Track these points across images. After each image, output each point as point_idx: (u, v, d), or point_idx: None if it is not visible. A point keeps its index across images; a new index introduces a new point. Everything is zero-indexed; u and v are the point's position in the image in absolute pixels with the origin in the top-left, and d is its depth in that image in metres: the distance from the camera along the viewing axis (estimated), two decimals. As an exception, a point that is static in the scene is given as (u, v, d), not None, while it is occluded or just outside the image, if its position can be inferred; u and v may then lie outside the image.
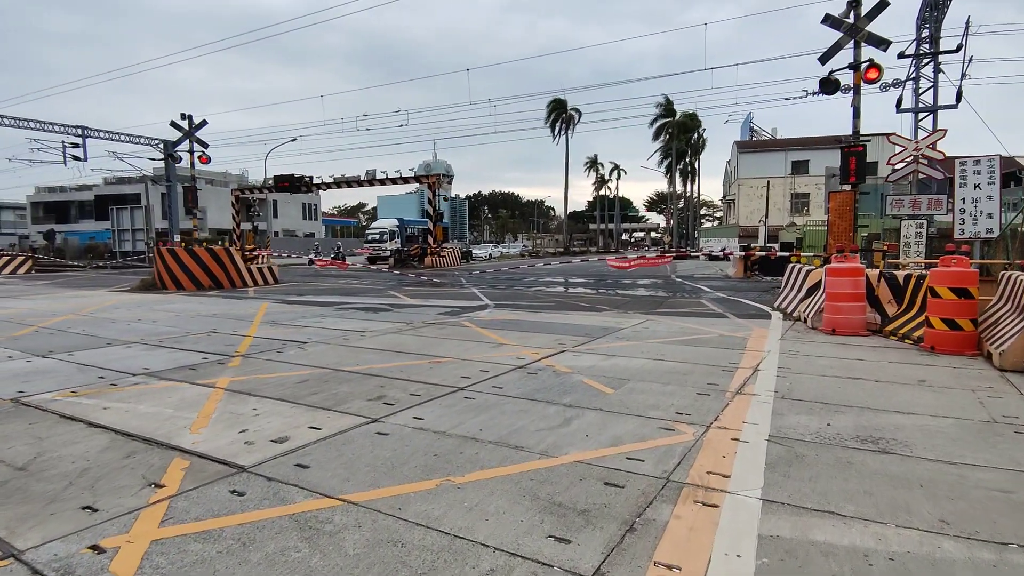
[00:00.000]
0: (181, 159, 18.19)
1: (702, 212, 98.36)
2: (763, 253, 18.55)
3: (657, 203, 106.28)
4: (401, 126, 34.98)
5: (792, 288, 10.60)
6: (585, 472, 3.16)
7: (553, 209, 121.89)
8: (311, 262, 39.67)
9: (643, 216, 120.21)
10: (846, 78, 11.10)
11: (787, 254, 14.61)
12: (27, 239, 60.31)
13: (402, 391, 4.94)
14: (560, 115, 61.13)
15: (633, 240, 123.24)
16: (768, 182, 44.93)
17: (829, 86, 10.22)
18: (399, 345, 7.22)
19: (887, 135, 10.08)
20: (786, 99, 27.60)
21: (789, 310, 10.04)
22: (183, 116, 17.25)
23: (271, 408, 4.47)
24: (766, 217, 44.15)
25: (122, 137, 36.00)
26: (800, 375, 5.45)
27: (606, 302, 12.46)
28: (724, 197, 66.68)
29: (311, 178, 37.53)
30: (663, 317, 9.78)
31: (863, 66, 9.65)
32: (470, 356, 6.48)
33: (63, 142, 34.29)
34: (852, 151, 9.42)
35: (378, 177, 34.47)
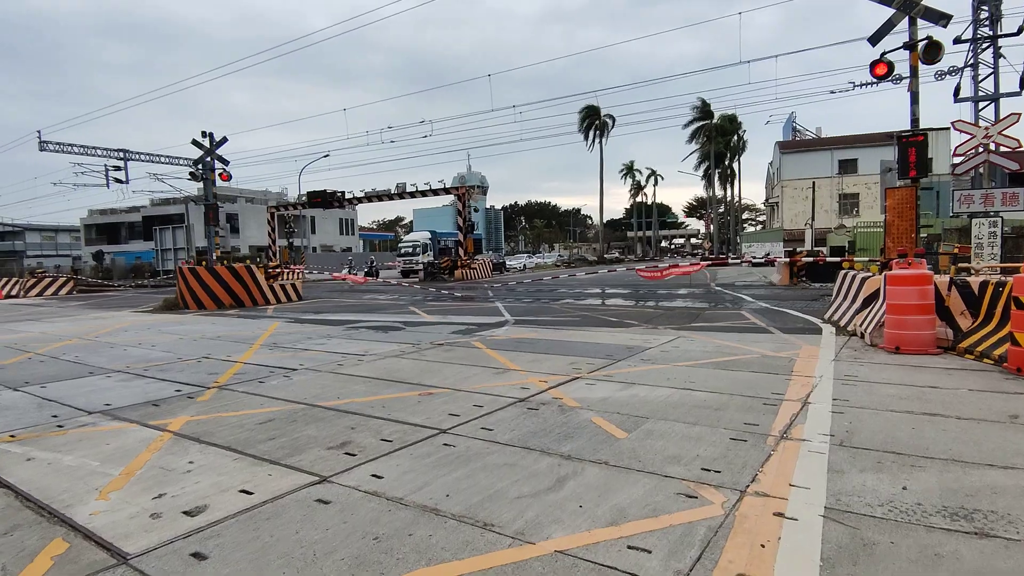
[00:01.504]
0: (201, 177, 18.06)
1: (744, 216, 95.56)
2: (810, 259, 17.19)
3: (696, 208, 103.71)
4: (425, 137, 34.66)
5: (846, 298, 9.44)
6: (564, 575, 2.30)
7: (590, 218, 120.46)
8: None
9: (682, 222, 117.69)
10: (901, 66, 9.93)
11: (838, 259, 13.30)
12: (79, 260, 62.88)
13: (374, 435, 4.16)
14: (593, 122, 60.16)
15: (673, 247, 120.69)
16: (813, 183, 42.87)
17: (880, 70, 9.06)
18: (394, 372, 6.47)
19: (952, 123, 8.85)
20: (831, 92, 25.79)
21: (843, 323, 8.89)
22: (204, 134, 17.16)
23: (211, 461, 3.75)
24: (812, 220, 42.13)
25: (162, 159, 36.84)
26: (861, 410, 4.44)
27: (637, 315, 11.48)
28: (767, 200, 64.34)
29: (343, 193, 37.61)
30: (697, 333, 8.77)
31: (920, 45, 8.50)
32: (468, 386, 5.67)
33: (105, 165, 35.17)
34: (911, 141, 8.27)
35: (408, 190, 34.17)
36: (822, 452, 3.55)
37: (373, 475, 3.39)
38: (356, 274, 40.70)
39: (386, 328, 10.60)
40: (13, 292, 26.27)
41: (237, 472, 3.53)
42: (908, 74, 8.84)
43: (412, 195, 34.41)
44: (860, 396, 4.85)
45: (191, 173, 18.16)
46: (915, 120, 8.53)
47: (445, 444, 3.93)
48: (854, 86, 18.64)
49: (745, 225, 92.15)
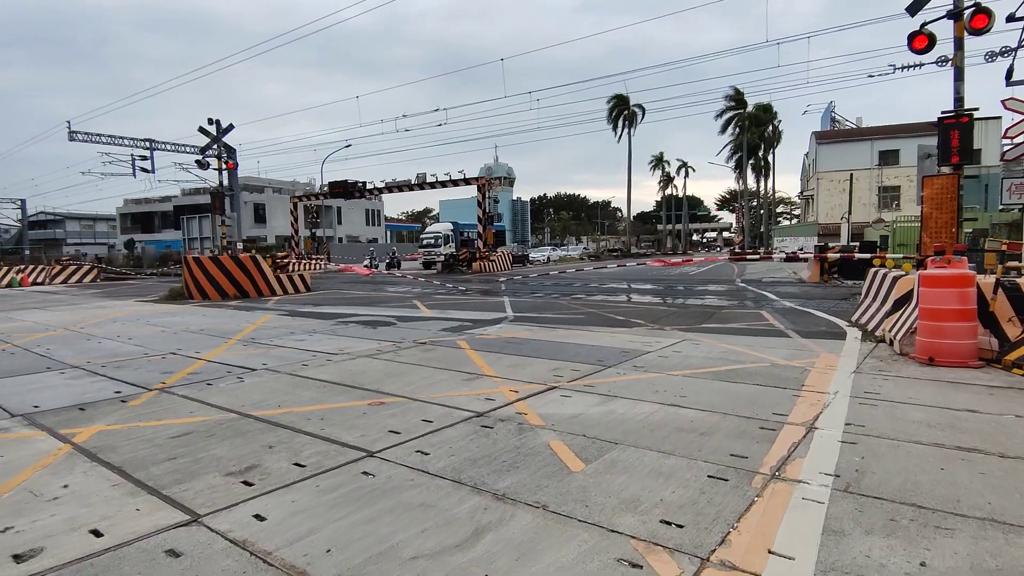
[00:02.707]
0: (209, 165, 17.80)
1: (779, 210, 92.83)
2: (837, 255, 16.04)
3: (729, 201, 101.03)
4: (440, 125, 33.79)
5: (875, 299, 8.50)
6: None
7: (619, 210, 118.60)
8: (366, 267, 39.64)
9: (715, 215, 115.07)
10: (945, 46, 8.81)
11: (868, 256, 12.23)
12: (114, 248, 64.34)
13: (289, 457, 3.56)
14: (622, 111, 58.76)
15: (705, 240, 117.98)
16: (851, 175, 40.95)
17: (920, 43, 8.04)
18: (358, 375, 5.87)
19: (1003, 102, 7.73)
20: (869, 76, 24.22)
21: (870, 327, 7.98)
22: (210, 121, 16.86)
23: (87, 486, 3.20)
24: (849, 213, 40.30)
25: (187, 148, 37.06)
26: (878, 441, 3.65)
27: (646, 313, 10.69)
28: (801, 193, 62.08)
29: (364, 183, 37.36)
30: (705, 335, 7.97)
31: (967, 13, 7.49)
32: (429, 394, 5.03)
33: (132, 155, 35.48)
34: (954, 123, 7.27)
35: (428, 180, 33.68)
36: (820, 501, 2.80)
37: (255, 515, 2.78)
38: (377, 266, 40.57)
39: (376, 323, 10.04)
40: (39, 280, 26.66)
41: (105, 503, 2.96)
42: (952, 51, 7.82)
43: (432, 186, 33.93)
44: (879, 421, 4.05)
45: (196, 161, 17.93)
46: (959, 99, 7.52)
47: (364, 472, 3.30)
48: (895, 69, 17.24)
49: (780, 219, 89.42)
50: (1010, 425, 3.91)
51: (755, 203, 66.83)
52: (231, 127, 17.14)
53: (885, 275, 8.12)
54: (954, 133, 7.30)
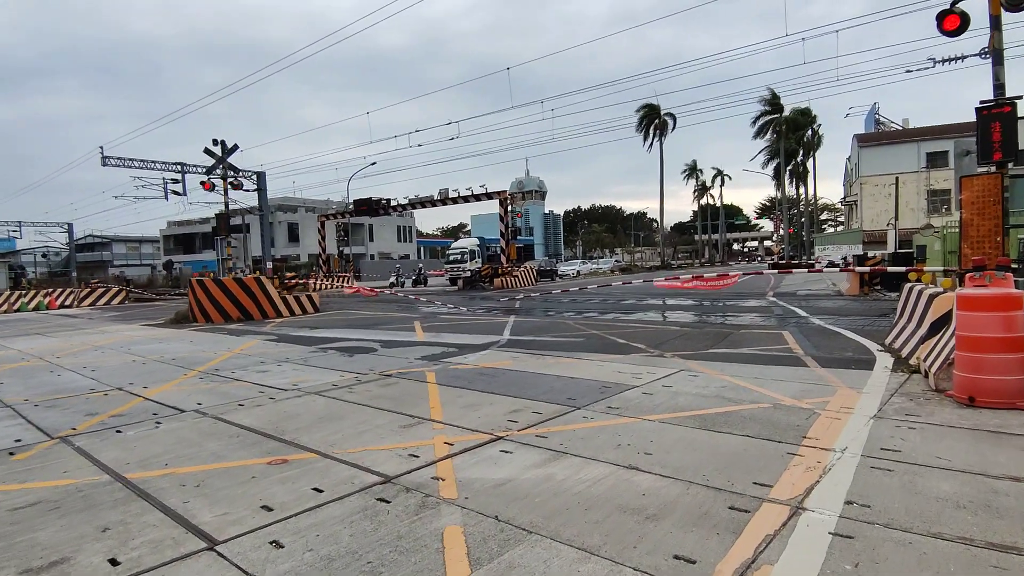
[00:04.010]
0: (214, 186, 17.66)
1: (823, 217, 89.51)
2: (863, 268, 14.62)
3: (770, 209, 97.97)
4: (452, 139, 33.40)
5: (910, 319, 7.36)
6: None
7: (656, 221, 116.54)
8: (391, 285, 39.45)
9: (755, 224, 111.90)
10: (978, 25, 7.64)
11: (901, 269, 10.91)
12: (155, 269, 66.29)
13: (110, 550, 2.83)
14: (652, 120, 57.51)
15: (746, 250, 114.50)
16: (897, 179, 38.70)
17: (952, 23, 6.92)
18: (286, 420, 5.15)
19: None
20: (907, 71, 22.54)
21: (904, 353, 6.85)
22: (215, 142, 16.69)
23: None
24: (896, 219, 38.02)
25: (239, 174, 37.79)
26: (885, 534, 2.68)
27: (653, 335, 9.70)
28: (844, 199, 59.42)
29: (388, 200, 37.28)
30: (708, 364, 6.98)
31: (1008, -14, 6.39)
32: (346, 448, 4.26)
33: (163, 178, 36.20)
34: (995, 113, 6.15)
35: (450, 196, 33.29)
36: (776, 655, 1.89)
37: (-20, 659, 2.04)
38: (403, 283, 40.29)
39: (357, 350, 9.36)
40: (67, 303, 27.18)
41: None
42: (989, 30, 6.70)
43: (455, 201, 33.52)
44: (892, 498, 3.06)
45: (201, 183, 17.80)
46: (999, 86, 6.39)
47: (180, 579, 2.53)
48: (934, 63, 15.88)
49: (824, 226, 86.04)
50: (1074, 507, 2.88)
51: (796, 211, 64.31)
52: (235, 148, 16.95)
53: (921, 292, 6.99)
54: (995, 125, 6.16)
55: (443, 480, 3.55)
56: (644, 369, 6.80)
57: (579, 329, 11.10)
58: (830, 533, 2.70)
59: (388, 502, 3.26)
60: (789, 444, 3.97)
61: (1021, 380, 4.66)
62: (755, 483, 3.32)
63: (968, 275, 4.99)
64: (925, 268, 7.82)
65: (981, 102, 6.41)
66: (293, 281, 19.02)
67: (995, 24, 6.57)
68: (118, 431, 5.02)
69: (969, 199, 6.43)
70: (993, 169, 6.47)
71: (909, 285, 7.49)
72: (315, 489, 3.49)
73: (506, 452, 4.04)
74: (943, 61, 15.86)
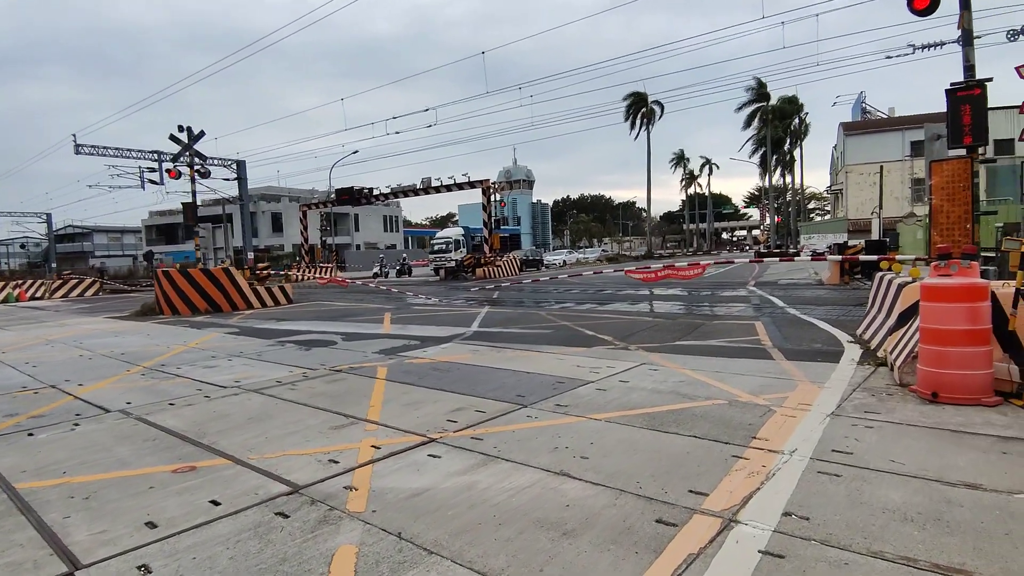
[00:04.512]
0: (181, 174, 17.13)
1: (811, 206, 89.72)
2: (837, 256, 14.43)
3: (758, 198, 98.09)
4: (430, 126, 32.91)
5: (880, 310, 7.14)
6: None
7: (645, 211, 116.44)
8: (375, 276, 39.02)
9: (744, 213, 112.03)
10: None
11: (873, 258, 10.69)
12: (137, 260, 65.26)
13: (-41, 575, 2.51)
14: (639, 109, 57.11)
15: (734, 239, 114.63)
16: (881, 167, 38.68)
17: (921, 3, 6.58)
18: (212, 421, 4.82)
19: (1017, 68, 6.18)
20: (887, 57, 22.32)
21: (873, 345, 6.63)
22: (180, 128, 16.15)
23: None
24: (880, 208, 38.06)
25: (206, 161, 37.03)
26: (820, 552, 2.41)
27: (621, 327, 9.43)
28: (830, 187, 59.46)
29: (370, 189, 36.72)
30: (671, 357, 6.72)
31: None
32: (265, 453, 3.95)
33: (139, 167, 35.36)
34: (965, 95, 5.88)
35: (432, 184, 32.81)
36: None
37: None
38: (387, 273, 39.83)
39: (316, 343, 9.03)
40: (38, 295, 26.54)
41: None
42: (959, 10, 6.42)
43: (437, 190, 33.05)
44: (835, 508, 2.80)
45: (167, 170, 17.26)
46: (969, 67, 6.11)
47: (18, 614, 2.21)
48: (914, 49, 15.61)
49: (812, 215, 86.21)
50: (1020, 514, 2.63)
51: (783, 200, 64.29)
52: (202, 134, 16.42)
53: (891, 281, 6.75)
54: (965, 108, 5.89)
55: (355, 490, 3.25)
56: (605, 363, 6.52)
57: (550, 320, 10.82)
58: (760, 551, 2.43)
59: (287, 517, 2.95)
60: (736, 446, 3.70)
61: (986, 375, 4.43)
62: (691, 491, 3.05)
63: (933, 264, 4.74)
64: (897, 256, 7.62)
65: (951, 84, 6.14)
66: (265, 272, 18.58)
67: (964, 3, 6.29)
68: (30, 434, 4.67)
69: (939, 184, 6.17)
70: (964, 153, 6.20)
71: (880, 274, 7.26)
72: (212, 502, 3.18)
73: (434, 456, 3.75)
74: (923, 47, 15.59)
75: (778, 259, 20.54)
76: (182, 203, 17.00)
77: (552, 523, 2.76)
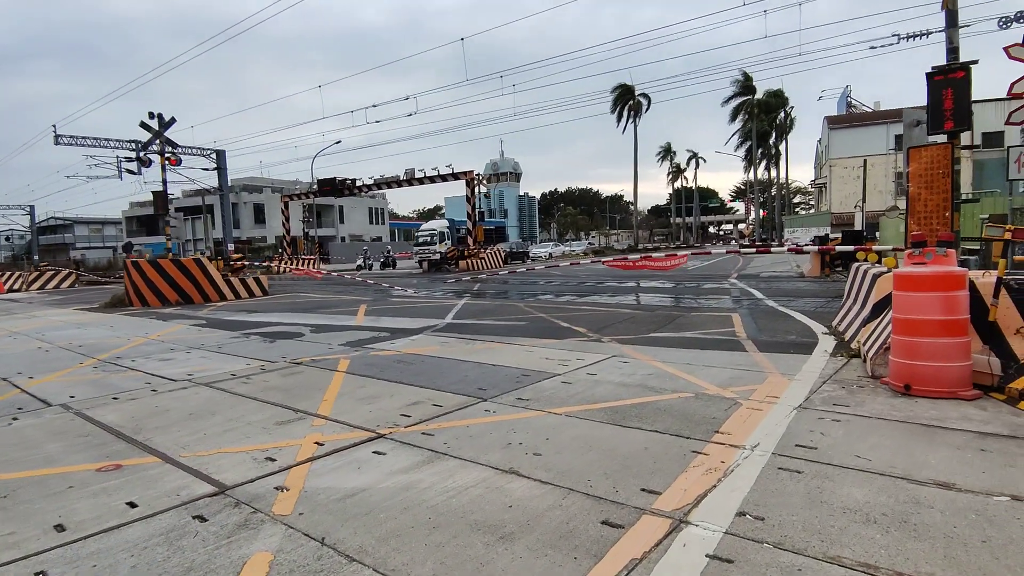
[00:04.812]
0: (151, 162, 16.70)
1: (796, 200, 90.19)
2: (813, 246, 14.36)
3: (744, 193, 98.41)
4: (410, 115, 32.48)
5: (855, 301, 7.01)
6: None
7: (633, 203, 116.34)
8: (359, 268, 38.59)
9: (730, 207, 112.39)
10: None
11: (850, 248, 10.59)
12: (116, 251, 64.18)
13: None
14: (627, 101, 56.90)
15: (721, 233, 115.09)
16: (865, 161, 38.82)
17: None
18: (151, 417, 4.57)
19: (1005, 49, 6.03)
20: (871, 47, 22.25)
21: (848, 336, 6.49)
22: (151, 115, 15.71)
23: None
24: (863, 202, 38.25)
25: (177, 149, 36.30)
26: (772, 556, 2.23)
27: (598, 319, 9.25)
28: (814, 181, 59.73)
29: (353, 180, 36.27)
30: (644, 349, 6.54)
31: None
32: (200, 450, 3.70)
33: (117, 156, 34.54)
34: (947, 79, 5.71)
35: (416, 176, 32.44)
36: None
37: None
38: (371, 265, 39.38)
39: (282, 335, 8.75)
40: (15, 287, 25.94)
41: None
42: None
43: (420, 181, 32.70)
44: (793, 508, 2.61)
45: (138, 158, 16.82)
46: (953, 49, 5.96)
47: None
48: (898, 39, 15.53)
49: (797, 209, 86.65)
50: (1000, 519, 2.45)
51: (769, 193, 64.48)
52: (172, 121, 15.97)
53: (866, 272, 6.61)
54: (947, 92, 5.73)
55: (287, 490, 3.02)
56: (575, 355, 6.33)
57: (526, 312, 10.61)
58: (708, 556, 2.24)
59: (205, 521, 2.72)
60: (697, 440, 3.52)
61: (963, 367, 4.27)
62: (643, 489, 2.86)
63: (907, 252, 4.58)
64: (874, 247, 7.52)
65: (933, 67, 5.98)
66: (240, 264, 18.19)
67: (948, -19, 6.13)
68: (-45, 431, 4.39)
69: (916, 171, 6.01)
70: (944, 139, 6.05)
71: (856, 265, 7.12)
72: (129, 503, 2.94)
73: (379, 453, 3.53)
74: (908, 37, 15.56)
75: (755, 251, 20.47)
76: (152, 192, 16.54)
77: (490, 526, 2.56)
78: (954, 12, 6.13)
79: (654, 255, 11.80)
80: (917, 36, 15.39)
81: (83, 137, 33.64)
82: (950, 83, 5.76)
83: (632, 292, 13.89)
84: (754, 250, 20.25)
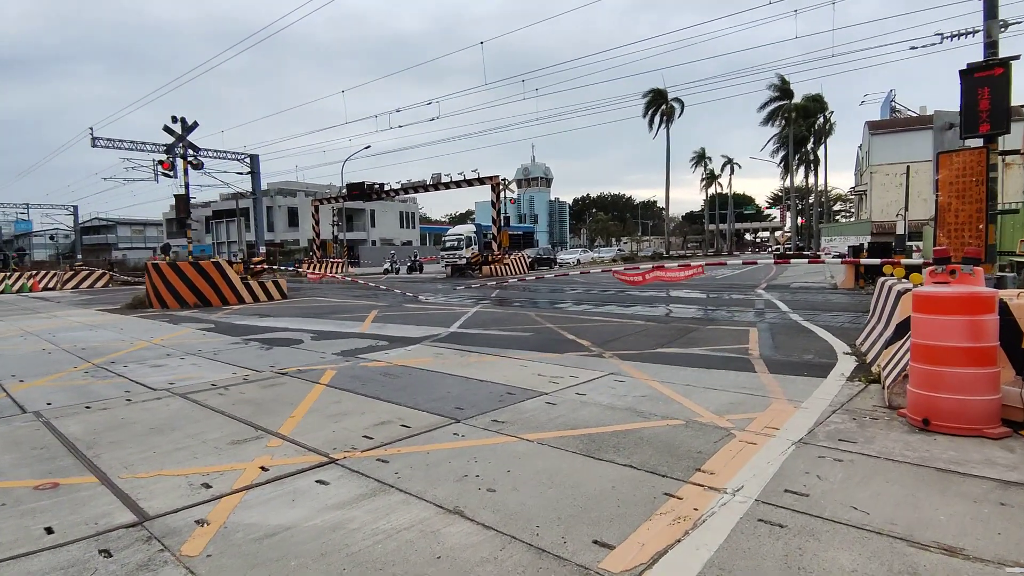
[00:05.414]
0: (174, 166, 16.94)
1: (836, 207, 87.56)
2: (836, 259, 13.58)
3: (781, 199, 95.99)
4: (432, 119, 32.41)
5: (880, 319, 6.46)
6: None
7: (665, 210, 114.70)
8: (386, 272, 38.80)
9: (767, 214, 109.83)
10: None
11: (876, 261, 9.90)
12: (155, 252, 66.10)
13: None
14: (659, 106, 56.02)
15: (757, 240, 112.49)
16: (908, 167, 37.22)
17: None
18: (122, 426, 4.40)
19: None
20: (912, 48, 21.19)
21: (869, 358, 5.97)
22: (174, 119, 15.94)
23: None
24: (906, 210, 36.61)
25: (210, 153, 37.12)
26: (724, 642, 1.85)
27: (607, 332, 8.85)
28: (854, 188, 57.74)
29: (381, 185, 36.47)
30: (647, 366, 6.13)
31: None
32: (142, 471, 3.49)
33: (153, 160, 35.51)
34: (983, 76, 5.17)
35: (442, 180, 32.39)
36: None
37: None
38: (397, 269, 39.55)
39: (281, 342, 8.61)
40: (50, 285, 26.76)
41: None
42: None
43: (447, 186, 32.63)
44: (766, 574, 2.23)
45: (159, 162, 17.08)
46: (991, 43, 5.40)
47: None
48: (942, 38, 14.70)
49: (838, 217, 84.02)
50: (1012, 601, 2.02)
51: (807, 201, 62.62)
52: (195, 125, 16.17)
53: (891, 288, 6.08)
54: (983, 91, 5.18)
55: (207, 524, 2.76)
56: (569, 372, 5.97)
57: (536, 322, 10.27)
58: (647, 638, 1.87)
59: (109, 556, 2.48)
60: (674, 480, 3.14)
61: (990, 401, 3.78)
62: (595, 542, 2.50)
63: (928, 269, 4.10)
64: (903, 261, 6.91)
65: (968, 64, 5.43)
66: (259, 267, 18.30)
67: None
68: (-87, 440, 4.29)
69: (947, 179, 5.46)
70: (981, 143, 5.50)
71: (882, 279, 6.58)
72: (47, 529, 2.73)
73: (321, 483, 3.25)
74: (951, 36, 14.73)
75: (772, 261, 19.82)
76: (174, 195, 16.78)
77: (408, 582, 2.24)
78: (993, 2, 5.56)
79: (667, 265, 11.30)
80: (962, 35, 14.53)
81: (119, 140, 34.71)
82: (987, 81, 5.21)
83: (651, 302, 13.40)
84: (771, 260, 19.50)
